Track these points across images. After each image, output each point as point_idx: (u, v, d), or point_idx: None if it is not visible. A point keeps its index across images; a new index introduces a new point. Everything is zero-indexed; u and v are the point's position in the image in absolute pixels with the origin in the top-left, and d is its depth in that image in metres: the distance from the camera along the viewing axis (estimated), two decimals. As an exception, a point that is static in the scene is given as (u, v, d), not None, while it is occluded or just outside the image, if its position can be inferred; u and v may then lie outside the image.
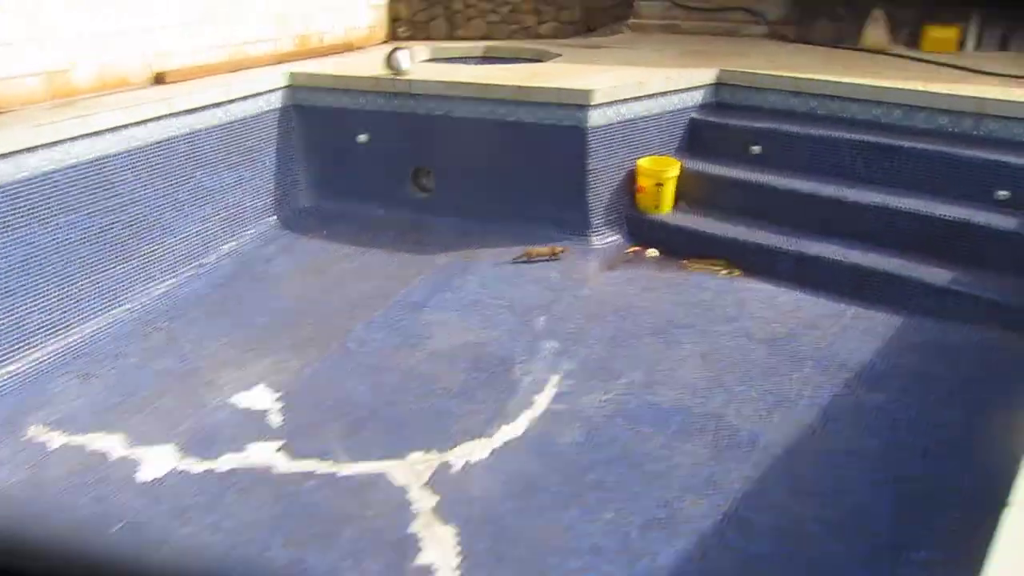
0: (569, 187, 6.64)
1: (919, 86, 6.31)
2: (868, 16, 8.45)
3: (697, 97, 7.15)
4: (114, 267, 5.76)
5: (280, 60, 7.99)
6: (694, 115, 7.13)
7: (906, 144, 6.05)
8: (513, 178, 6.89)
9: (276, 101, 7.30)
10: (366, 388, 4.89)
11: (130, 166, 5.90)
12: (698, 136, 7.14)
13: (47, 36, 6.10)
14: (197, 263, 6.43)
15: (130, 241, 5.92)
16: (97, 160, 5.62)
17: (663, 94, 6.83)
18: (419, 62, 8.09)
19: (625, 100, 6.56)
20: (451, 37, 9.60)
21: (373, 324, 5.63)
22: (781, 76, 6.91)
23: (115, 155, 5.75)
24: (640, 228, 6.74)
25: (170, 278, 6.16)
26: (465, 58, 8.98)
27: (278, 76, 7.31)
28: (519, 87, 6.52)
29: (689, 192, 6.77)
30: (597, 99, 6.32)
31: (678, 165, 6.71)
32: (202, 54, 7.29)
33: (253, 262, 6.69)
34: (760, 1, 9.58)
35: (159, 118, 6.08)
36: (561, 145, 6.54)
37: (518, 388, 4.77)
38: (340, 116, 7.30)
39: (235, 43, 7.63)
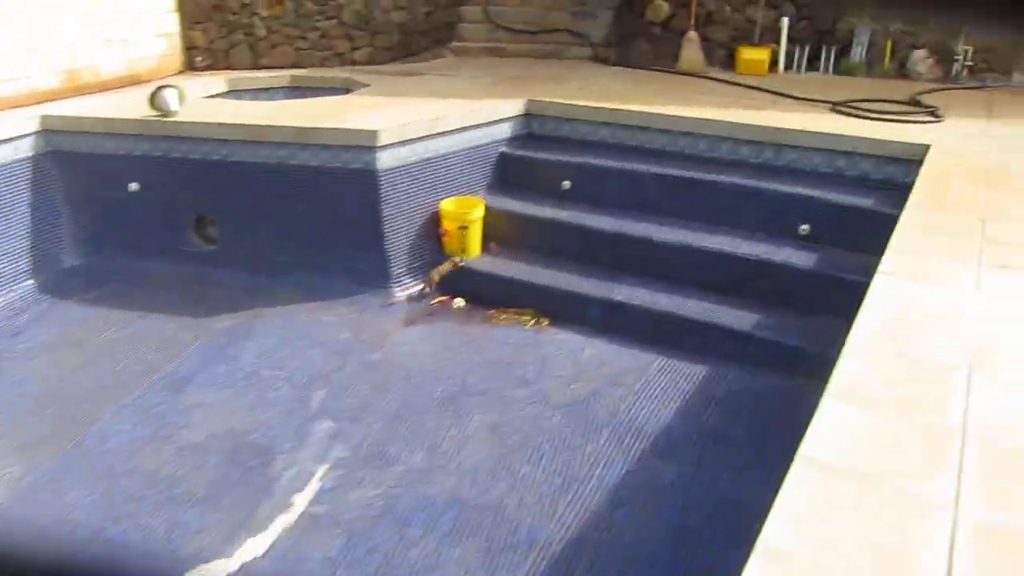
0: (364, 234, 6.02)
1: (719, 115, 6.10)
2: (684, 38, 8.31)
3: (506, 130, 6.71)
4: None
5: (40, 100, 6.98)
6: (503, 149, 6.69)
7: (709, 177, 5.80)
8: (303, 226, 6.21)
9: (27, 148, 6.30)
10: (94, 499, 4.07)
11: None
12: (508, 172, 6.71)
13: None
14: (-84, 346, 5.38)
15: None
16: None
17: (466, 129, 6.34)
18: (204, 97, 7.30)
19: (422, 138, 6.02)
20: (255, 66, 8.80)
21: (124, 411, 4.80)
22: (589, 106, 6.57)
23: None
24: (447, 275, 6.20)
25: None
26: (269, 89, 8.23)
27: (26, 120, 6.31)
28: (299, 129, 5.86)
29: (498, 233, 6.30)
30: (384, 140, 5.74)
31: (482, 205, 6.23)
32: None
33: (-6, 338, 5.69)
34: (582, 22, 9.33)
35: None
36: (351, 189, 5.92)
37: (276, 487, 4.09)
38: (108, 163, 6.39)
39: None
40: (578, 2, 9.59)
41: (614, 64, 8.75)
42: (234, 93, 8.14)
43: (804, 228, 5.38)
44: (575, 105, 6.62)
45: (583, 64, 8.90)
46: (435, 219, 6.18)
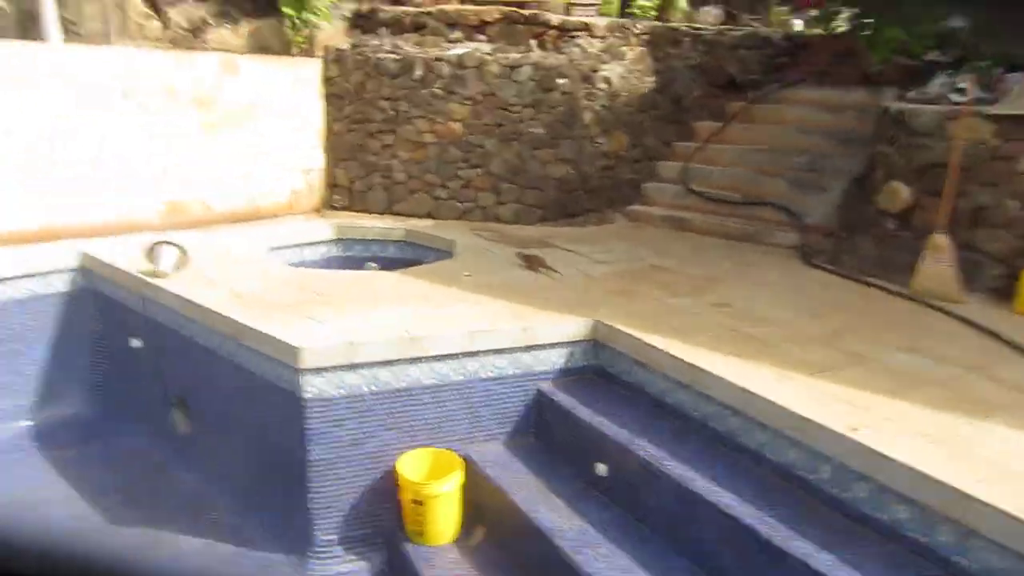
0: (290, 475, 4.30)
1: (926, 445, 3.22)
2: (928, 241, 5.28)
3: (555, 359, 4.54)
4: None
5: (133, 229, 6.64)
6: (544, 386, 4.50)
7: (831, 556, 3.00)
8: (242, 440, 4.71)
9: (63, 283, 5.84)
10: None
11: None
12: (541, 421, 4.50)
13: None
14: None
15: None
16: None
17: (478, 354, 4.34)
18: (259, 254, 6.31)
19: (391, 362, 4.18)
20: (389, 211, 7.75)
21: None
22: (667, 352, 4.11)
23: None
24: (405, 564, 4.15)
25: None
26: (379, 242, 7.08)
27: (66, 254, 5.87)
28: (238, 324, 4.41)
29: (495, 514, 4.13)
30: (312, 362, 4.01)
31: (458, 471, 4.12)
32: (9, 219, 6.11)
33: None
34: (801, 197, 6.71)
35: None
36: (275, 410, 4.28)
37: None
38: (119, 312, 5.65)
39: (61, 207, 6.40)
40: (808, 167, 6.97)
41: (819, 265, 5.96)
42: (341, 243, 7.13)
43: None
44: (651, 346, 4.21)
45: (778, 258, 6.23)
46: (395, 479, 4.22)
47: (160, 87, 6.82)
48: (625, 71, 8.03)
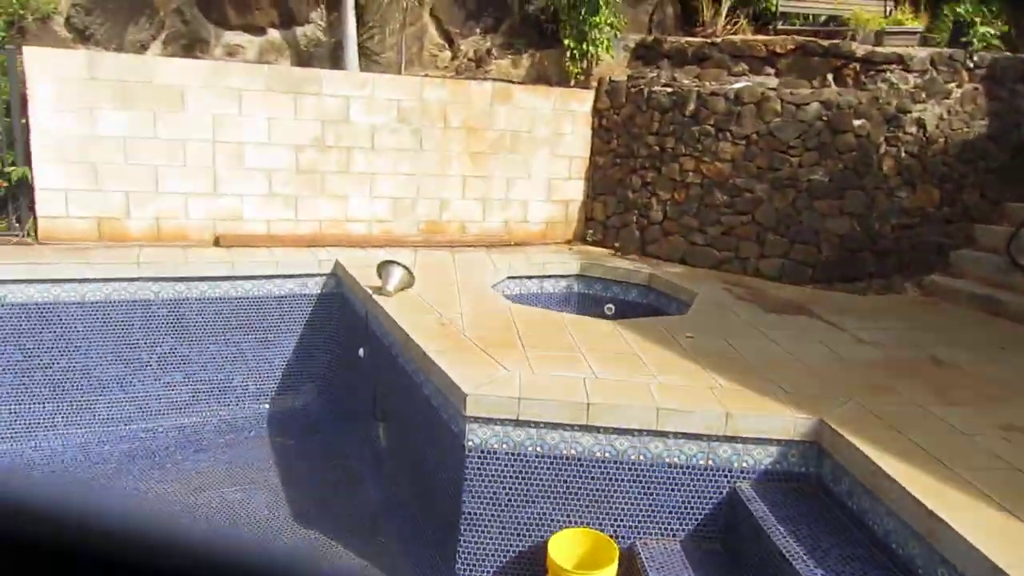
0: (445, 522, 4.06)
1: None
2: None
3: (763, 457, 3.73)
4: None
5: (394, 244, 7.05)
6: (742, 487, 3.72)
7: None
8: (418, 472, 4.58)
9: (316, 286, 6.36)
10: None
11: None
12: (732, 528, 3.72)
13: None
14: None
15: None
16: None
17: (657, 434, 3.72)
18: (492, 285, 6.22)
19: (559, 425, 3.74)
20: (642, 252, 7.25)
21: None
22: (910, 496, 3.10)
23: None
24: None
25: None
26: (620, 284, 6.67)
27: (322, 261, 6.37)
28: (425, 356, 4.28)
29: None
30: (475, 409, 3.72)
31: (613, 565, 3.52)
32: (276, 224, 6.84)
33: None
34: None
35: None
36: (447, 452, 4.07)
37: None
38: (355, 320, 5.96)
39: (328, 218, 6.99)
40: None
41: None
42: (582, 280, 6.85)
43: None
44: (885, 473, 3.21)
45: None
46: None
47: (437, 113, 7.13)
48: (947, 112, 6.63)
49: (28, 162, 6.20)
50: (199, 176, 6.58)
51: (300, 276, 6.34)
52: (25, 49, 6.14)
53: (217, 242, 6.67)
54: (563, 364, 4.23)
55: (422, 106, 7.11)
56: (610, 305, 6.57)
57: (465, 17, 7.98)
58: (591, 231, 7.69)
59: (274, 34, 7.60)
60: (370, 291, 5.44)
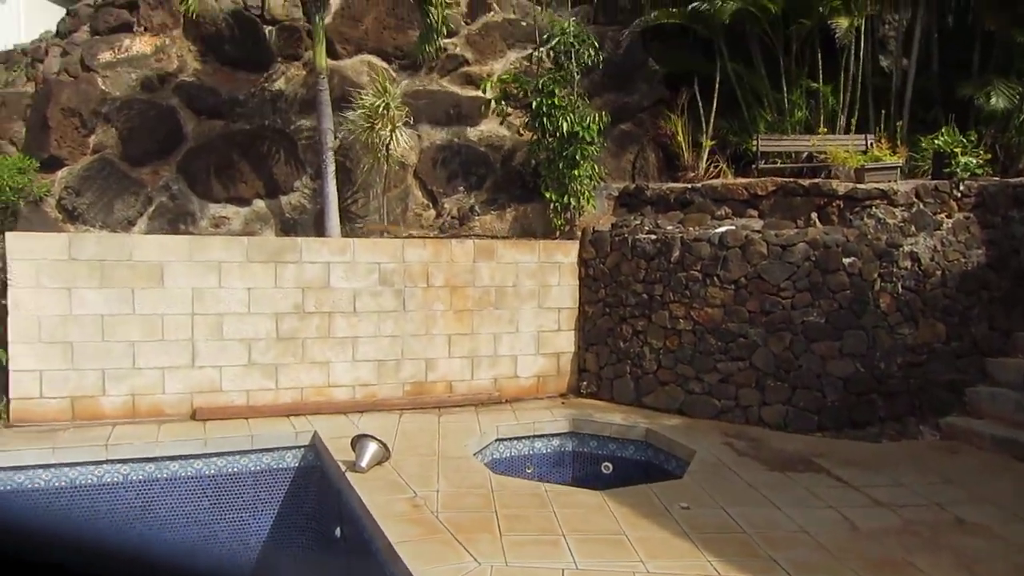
0: None
1: None
2: None
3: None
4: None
5: (375, 407, 6.78)
6: None
7: None
8: None
9: (292, 461, 6.04)
10: None
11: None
12: None
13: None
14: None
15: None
16: None
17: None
18: (471, 455, 5.88)
19: (534, 625, 3.30)
20: (637, 403, 6.90)
21: None
22: None
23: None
24: None
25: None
26: (618, 439, 6.31)
27: (295, 433, 6.09)
28: (390, 545, 3.91)
29: None
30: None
31: None
32: (256, 394, 6.62)
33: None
34: None
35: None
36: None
37: None
38: (333, 497, 5.59)
39: (310, 385, 6.77)
40: None
41: None
42: (575, 437, 6.48)
43: None
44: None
45: None
46: None
47: (419, 273, 7.06)
48: (940, 244, 6.45)
49: (4, 344, 6.11)
50: (177, 350, 6.45)
51: (277, 450, 6.04)
52: (7, 235, 6.21)
53: (194, 415, 6.43)
54: (542, 552, 3.83)
55: (404, 267, 7.05)
56: (607, 464, 6.18)
57: (448, 177, 8.10)
58: (585, 383, 7.38)
59: (259, 204, 7.71)
60: (343, 467, 5.11)
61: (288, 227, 7.70)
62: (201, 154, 7.65)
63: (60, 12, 12.89)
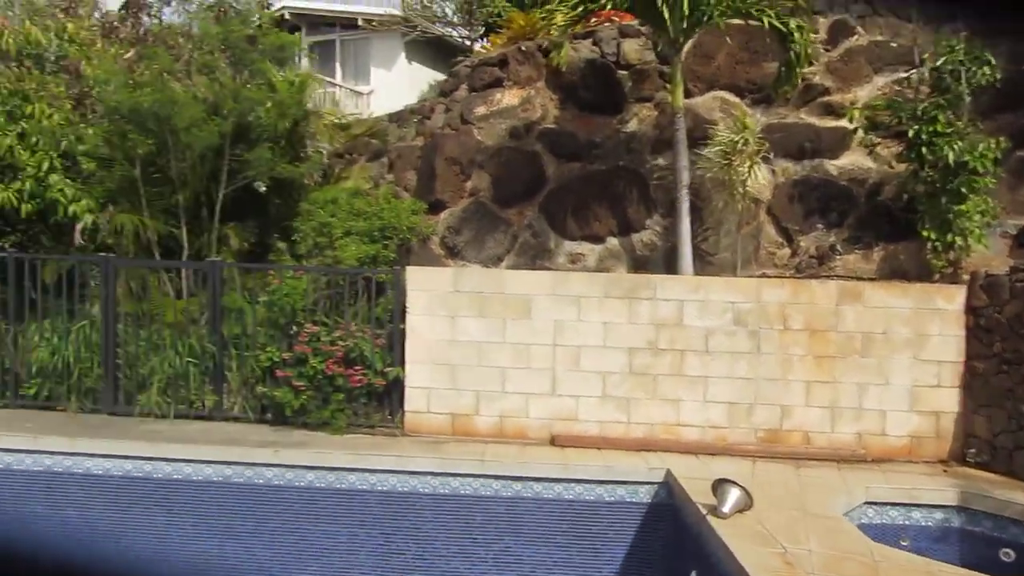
0: None
1: None
2: None
3: None
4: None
5: (725, 452, 6.63)
6: None
7: None
8: None
9: (646, 496, 6.13)
10: None
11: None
12: None
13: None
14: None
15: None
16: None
17: None
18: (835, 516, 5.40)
19: None
20: (1045, 479, 5.80)
21: None
22: None
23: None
24: None
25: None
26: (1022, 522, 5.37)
27: (651, 470, 6.16)
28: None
29: None
30: None
31: None
32: (609, 426, 6.83)
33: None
34: None
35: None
36: None
37: None
38: (687, 538, 5.54)
39: (660, 422, 6.80)
40: None
41: None
42: (964, 513, 5.66)
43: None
44: None
45: None
46: None
47: (775, 314, 6.77)
48: None
49: (402, 363, 7.08)
50: (540, 378, 6.93)
51: (631, 483, 6.17)
52: (409, 269, 7.21)
53: (553, 441, 6.84)
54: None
55: (759, 308, 6.81)
56: (1007, 551, 5.28)
57: (805, 213, 7.69)
58: (972, 450, 6.42)
59: (612, 241, 8.03)
60: (703, 510, 5.03)
61: (639, 264, 7.91)
62: (560, 195, 8.22)
63: (433, 75, 14.98)
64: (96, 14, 9.72)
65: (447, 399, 7.00)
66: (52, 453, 6.45)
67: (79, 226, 7.93)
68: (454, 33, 13.87)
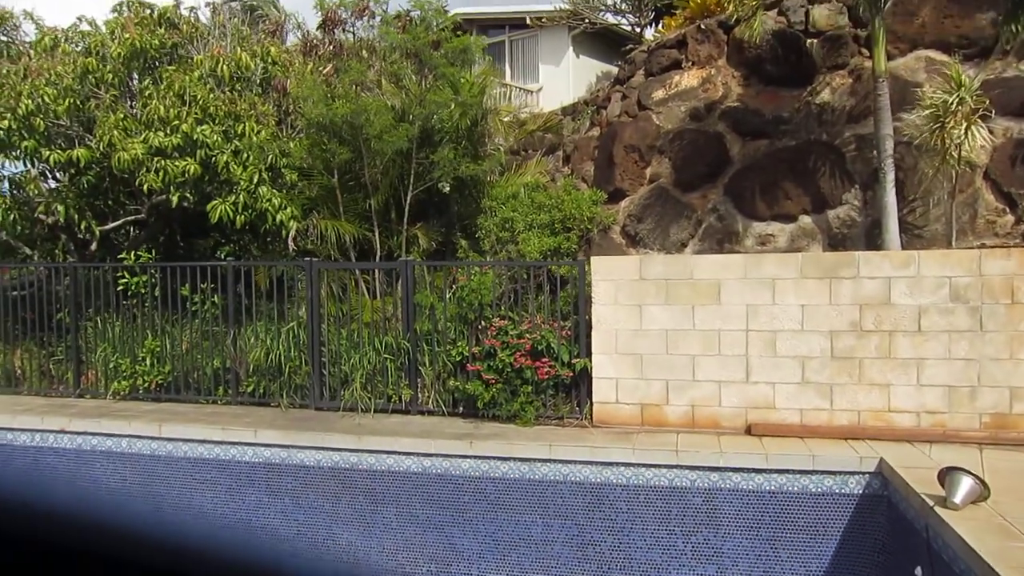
0: None
1: None
2: None
3: None
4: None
5: (944, 439, 6.06)
6: None
7: None
8: None
9: (857, 487, 5.74)
10: None
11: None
12: None
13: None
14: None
15: None
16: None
17: None
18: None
19: None
20: None
21: None
22: None
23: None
24: None
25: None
26: None
27: (862, 459, 5.73)
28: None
29: None
30: None
31: None
32: (810, 414, 6.42)
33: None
34: None
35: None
36: None
37: None
38: (909, 533, 5.12)
39: (867, 408, 6.31)
40: None
41: None
42: None
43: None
44: None
45: None
46: None
47: (1001, 288, 6.08)
48: None
49: (588, 354, 7.08)
50: (732, 365, 6.67)
51: (839, 473, 5.78)
52: (592, 259, 7.20)
53: (749, 430, 6.56)
54: None
55: (980, 281, 6.14)
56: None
57: (1032, 175, 6.84)
58: None
59: (805, 220, 7.58)
60: (930, 502, 4.60)
61: (836, 242, 7.41)
62: (746, 175, 7.87)
63: (600, 67, 14.89)
64: (297, 32, 10.57)
65: (636, 389, 6.91)
66: (269, 446, 7.07)
67: (291, 234, 8.62)
68: (623, 21, 13.71)
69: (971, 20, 7.23)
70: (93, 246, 9.56)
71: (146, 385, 8.42)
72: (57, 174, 9.74)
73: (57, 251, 10.27)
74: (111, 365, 8.60)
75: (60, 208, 8.95)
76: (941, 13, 7.36)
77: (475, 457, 6.56)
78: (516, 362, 7.01)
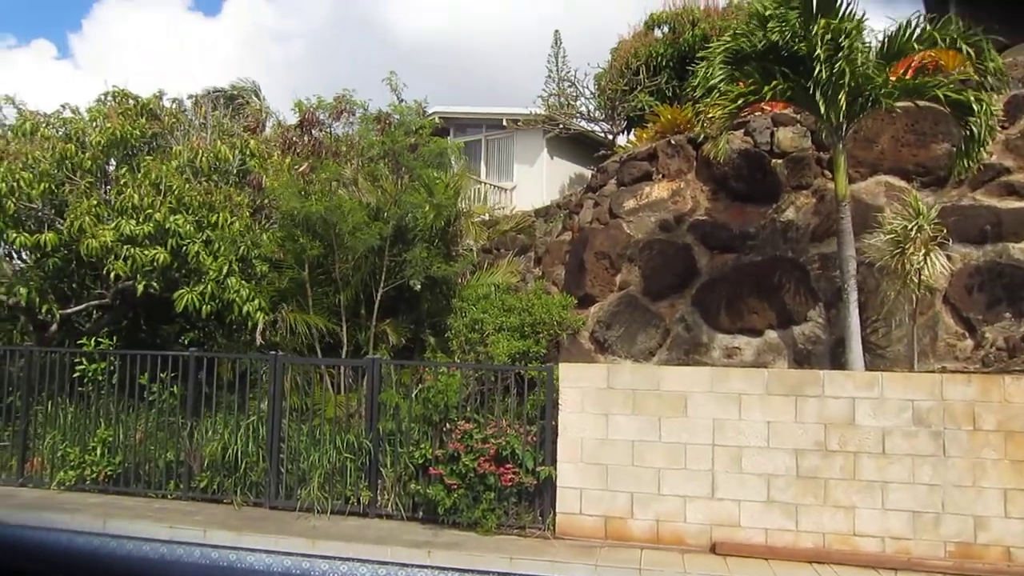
0: None
1: None
2: None
3: None
4: None
5: (909, 567, 5.98)
6: None
7: None
8: None
9: (826, 619, 5.59)
10: None
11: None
12: None
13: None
14: None
15: None
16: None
17: None
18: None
19: None
20: None
21: None
22: None
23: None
24: None
25: None
26: None
27: (834, 588, 5.62)
28: None
29: None
30: None
31: None
32: (775, 534, 6.33)
33: None
34: None
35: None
36: None
37: None
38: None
39: (832, 531, 6.24)
40: None
41: None
42: None
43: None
44: None
45: None
46: None
47: (962, 414, 6.15)
48: None
49: (553, 461, 6.96)
50: (697, 480, 6.59)
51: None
52: (561, 365, 7.17)
53: (714, 548, 6.42)
54: None
55: (943, 406, 6.21)
56: None
57: (988, 302, 7.05)
58: None
59: (771, 335, 7.68)
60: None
61: (801, 358, 7.49)
62: (714, 287, 8.01)
63: (574, 169, 15.32)
64: (271, 125, 10.75)
65: (600, 500, 6.78)
66: (218, 547, 6.75)
67: (259, 328, 8.53)
68: (596, 128, 14.19)
69: (927, 150, 7.59)
70: (53, 328, 9.36)
71: (94, 476, 8.09)
72: (24, 255, 9.62)
73: (15, 332, 10.03)
74: (59, 453, 8.27)
75: (23, 291, 8.80)
76: (899, 142, 7.72)
77: (433, 567, 6.33)
78: (480, 467, 6.86)
